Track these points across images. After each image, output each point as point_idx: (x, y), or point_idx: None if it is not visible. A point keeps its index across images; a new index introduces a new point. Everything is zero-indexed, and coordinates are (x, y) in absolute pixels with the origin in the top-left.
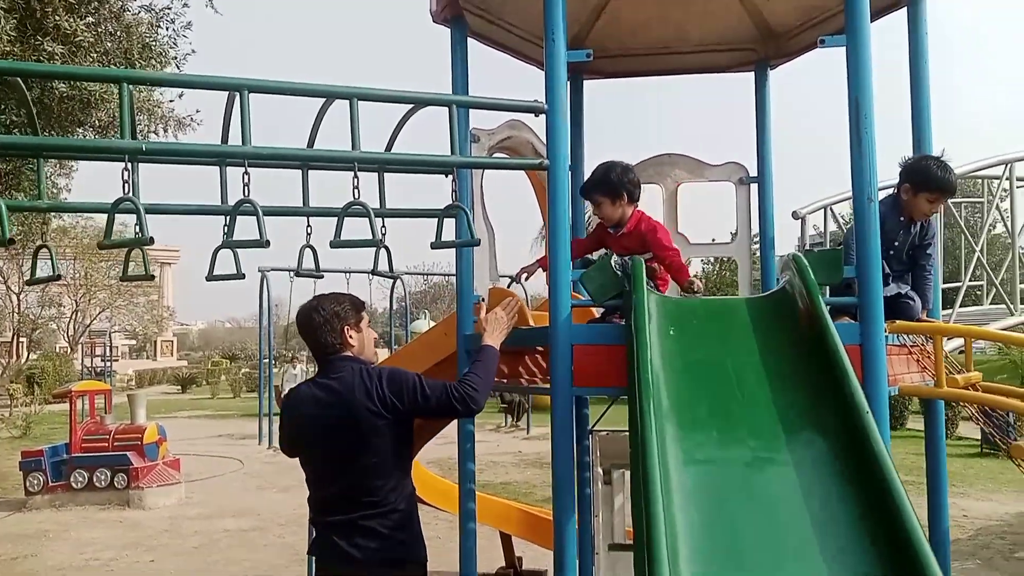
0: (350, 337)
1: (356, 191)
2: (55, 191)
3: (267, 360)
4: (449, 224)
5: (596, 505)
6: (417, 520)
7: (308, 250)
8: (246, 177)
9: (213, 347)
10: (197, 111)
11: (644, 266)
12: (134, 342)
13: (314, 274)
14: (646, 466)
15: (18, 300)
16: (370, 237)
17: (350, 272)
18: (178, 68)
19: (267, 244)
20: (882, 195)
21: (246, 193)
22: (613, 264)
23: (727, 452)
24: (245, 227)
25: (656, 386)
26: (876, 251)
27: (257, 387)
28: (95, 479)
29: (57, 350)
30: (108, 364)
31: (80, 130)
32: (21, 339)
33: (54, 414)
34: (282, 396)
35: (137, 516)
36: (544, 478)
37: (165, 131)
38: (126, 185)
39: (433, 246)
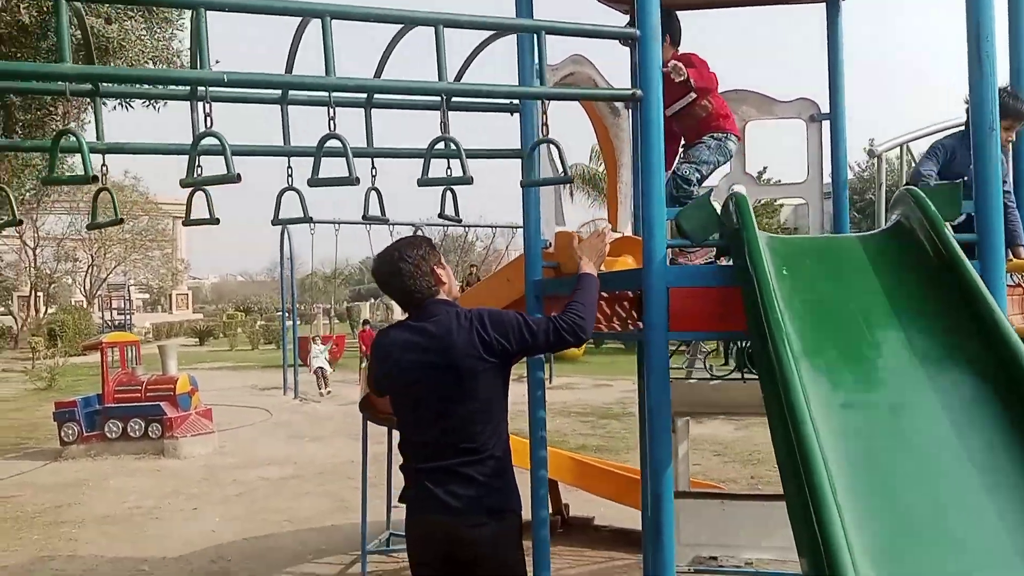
0: (441, 275)
1: (444, 125)
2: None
3: (288, 312)
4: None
5: None
6: (512, 468)
7: (373, 192)
8: (332, 111)
9: (227, 300)
10: (217, 61)
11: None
12: (147, 296)
13: (380, 219)
14: (793, 406)
15: (34, 255)
16: (460, 174)
17: (370, 222)
18: None
19: (356, 181)
20: (948, 133)
21: (332, 128)
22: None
23: (869, 396)
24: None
25: (784, 328)
26: (997, 185)
27: (279, 339)
28: (129, 429)
29: (73, 304)
30: (127, 317)
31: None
32: (38, 293)
33: (77, 366)
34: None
35: (173, 465)
36: (574, 426)
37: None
38: (208, 119)
39: (524, 184)
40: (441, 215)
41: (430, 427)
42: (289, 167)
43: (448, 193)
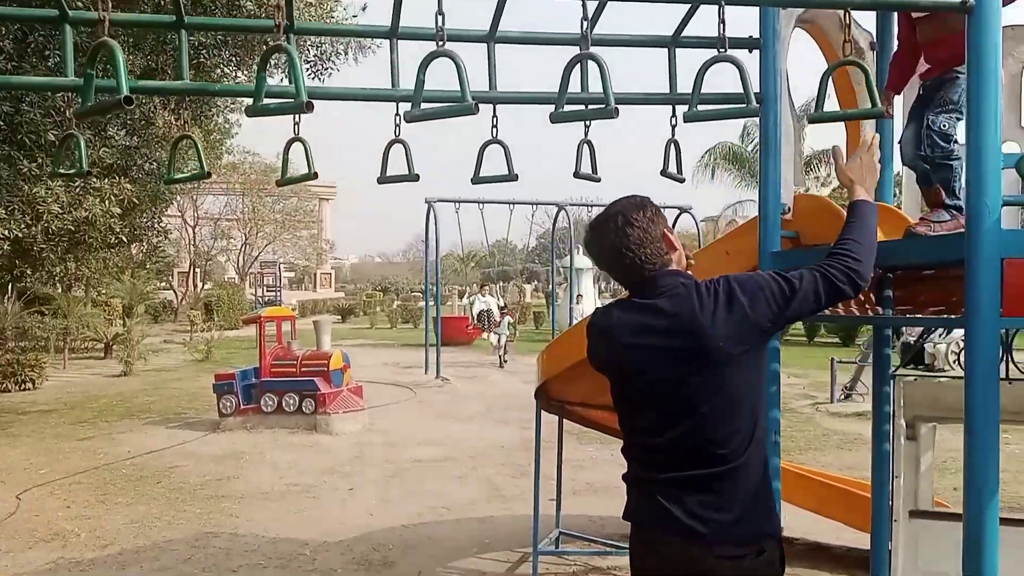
0: (673, 241)
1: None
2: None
3: (431, 292)
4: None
5: (898, 464)
6: (771, 483)
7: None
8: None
9: (365, 280)
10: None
11: None
12: (292, 275)
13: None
14: None
15: (193, 233)
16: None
17: (513, 203)
18: None
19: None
20: None
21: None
22: None
23: None
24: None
25: None
26: None
27: (417, 319)
28: (284, 403)
29: (226, 280)
30: (278, 294)
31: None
32: (196, 269)
33: (231, 339)
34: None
35: (326, 441)
36: None
37: (345, 53)
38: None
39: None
40: (576, 174)
41: (667, 428)
42: (397, 114)
43: (585, 148)
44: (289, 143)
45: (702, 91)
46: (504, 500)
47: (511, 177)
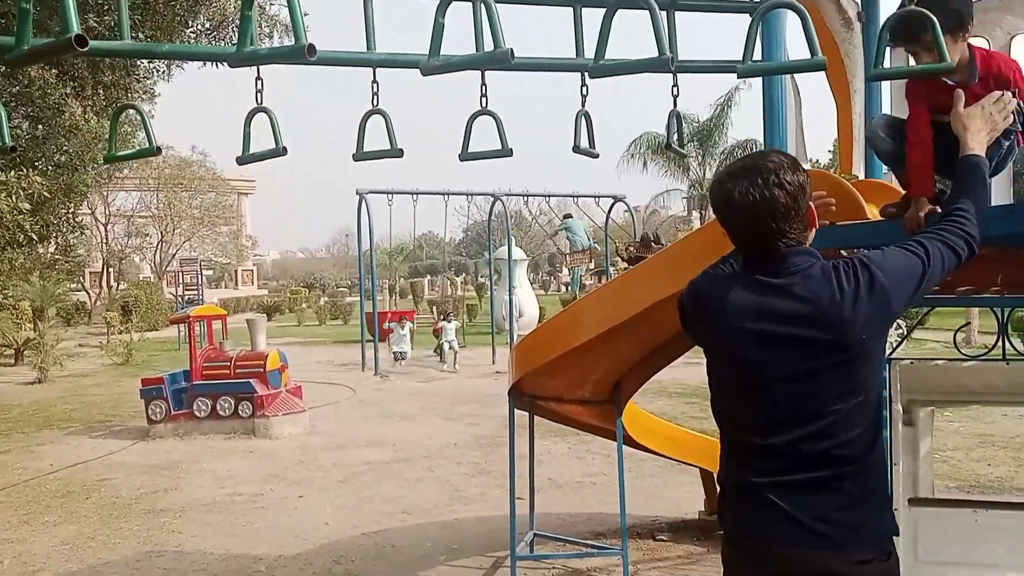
0: (815, 216)
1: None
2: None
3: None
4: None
5: (895, 451)
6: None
7: None
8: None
9: (289, 276)
10: (306, 14)
11: None
12: (211, 272)
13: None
14: None
15: (105, 231)
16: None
17: (448, 194)
18: None
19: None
20: None
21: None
22: None
23: None
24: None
25: None
26: None
27: (346, 315)
28: (218, 407)
29: (141, 280)
30: (199, 292)
31: (187, 32)
32: (109, 269)
33: (151, 341)
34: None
35: (266, 446)
36: (680, 408)
37: (271, 36)
38: None
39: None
40: (576, 148)
41: (790, 428)
42: (375, 81)
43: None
44: (251, 114)
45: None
46: (466, 501)
47: (504, 152)
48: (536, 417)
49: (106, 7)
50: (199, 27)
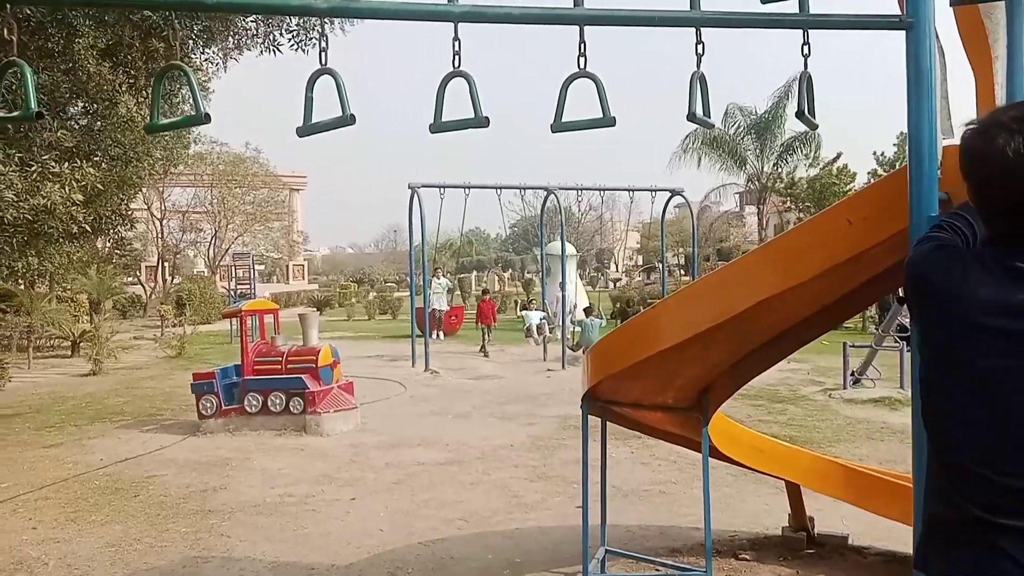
0: None
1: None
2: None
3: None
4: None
5: None
6: None
7: None
8: None
9: (338, 272)
10: None
11: None
12: (263, 267)
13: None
14: None
15: (161, 225)
16: None
17: (500, 188)
18: None
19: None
20: None
21: None
22: None
23: None
24: None
25: None
26: None
27: (395, 310)
28: (269, 403)
29: (195, 274)
30: (251, 286)
31: (245, 20)
32: (164, 263)
33: (204, 335)
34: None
35: (317, 443)
36: (747, 411)
37: (331, 23)
38: None
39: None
40: (691, 116)
41: None
42: (456, 39)
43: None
44: (315, 76)
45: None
46: (526, 509)
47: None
48: (599, 420)
49: None
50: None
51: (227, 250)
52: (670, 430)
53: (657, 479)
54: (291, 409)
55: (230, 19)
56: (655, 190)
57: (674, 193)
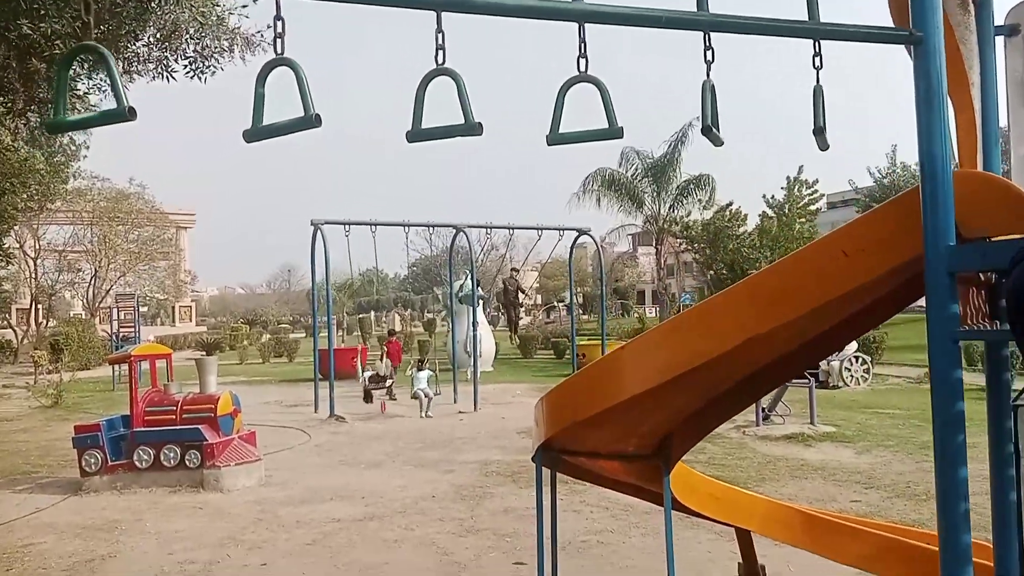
0: None
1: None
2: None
3: (321, 322)
4: None
5: None
6: None
7: None
8: None
9: (228, 313)
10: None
11: None
12: (146, 308)
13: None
14: None
15: (35, 265)
16: None
17: (408, 225)
18: None
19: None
20: None
21: None
22: None
23: None
24: None
25: None
26: None
27: (291, 352)
28: (162, 457)
29: (72, 317)
30: (136, 329)
31: (137, 44)
32: (38, 305)
33: (82, 382)
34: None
35: (217, 500)
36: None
37: (231, 51)
38: None
39: None
40: (705, 130)
41: None
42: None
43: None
44: (269, 67)
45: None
46: (460, 568)
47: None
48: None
49: (45, 12)
50: (149, 38)
51: (108, 291)
52: (625, 479)
53: (593, 528)
54: (187, 463)
55: (120, 43)
56: (563, 229)
57: (581, 232)
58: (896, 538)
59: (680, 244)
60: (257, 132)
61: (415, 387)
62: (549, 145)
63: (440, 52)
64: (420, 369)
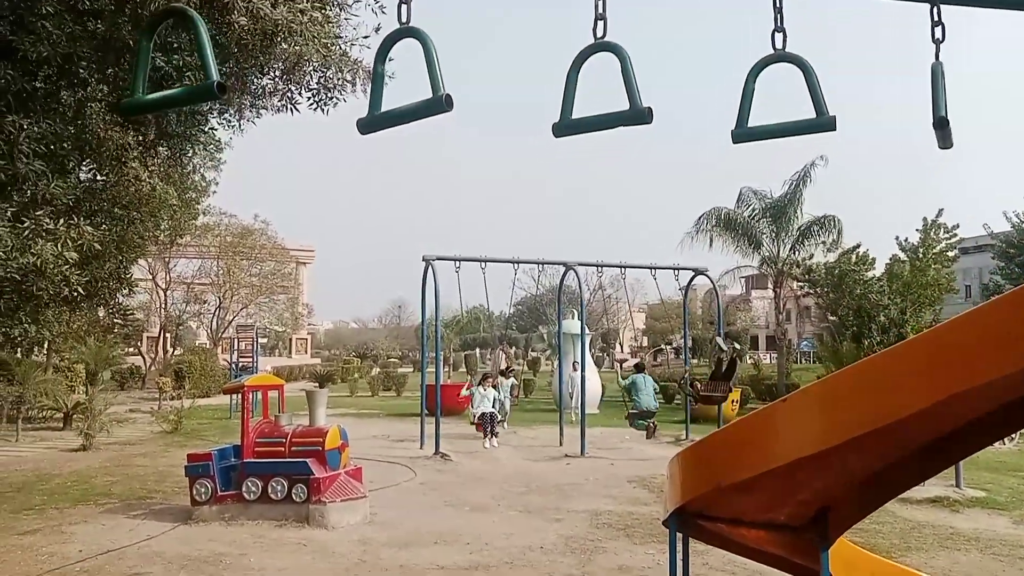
0: None
1: None
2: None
3: (429, 358)
4: None
5: None
6: None
7: None
8: None
9: (341, 346)
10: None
11: None
12: (265, 340)
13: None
14: None
15: (164, 296)
16: None
17: (518, 262)
18: None
19: None
20: None
21: None
22: None
23: None
24: None
25: None
26: None
27: (399, 386)
28: (270, 489)
29: (197, 346)
30: (254, 359)
31: (263, 79)
32: (166, 334)
33: (202, 408)
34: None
35: (321, 538)
36: None
37: (353, 84)
38: None
39: None
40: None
41: None
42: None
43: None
44: (390, 41)
45: None
46: None
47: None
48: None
49: (179, 45)
50: (275, 71)
51: (230, 322)
52: (772, 551)
53: None
54: (293, 497)
55: (247, 76)
56: (678, 268)
57: (697, 272)
58: None
59: (800, 288)
60: (373, 121)
61: (478, 407)
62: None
63: (600, 24)
64: (485, 385)
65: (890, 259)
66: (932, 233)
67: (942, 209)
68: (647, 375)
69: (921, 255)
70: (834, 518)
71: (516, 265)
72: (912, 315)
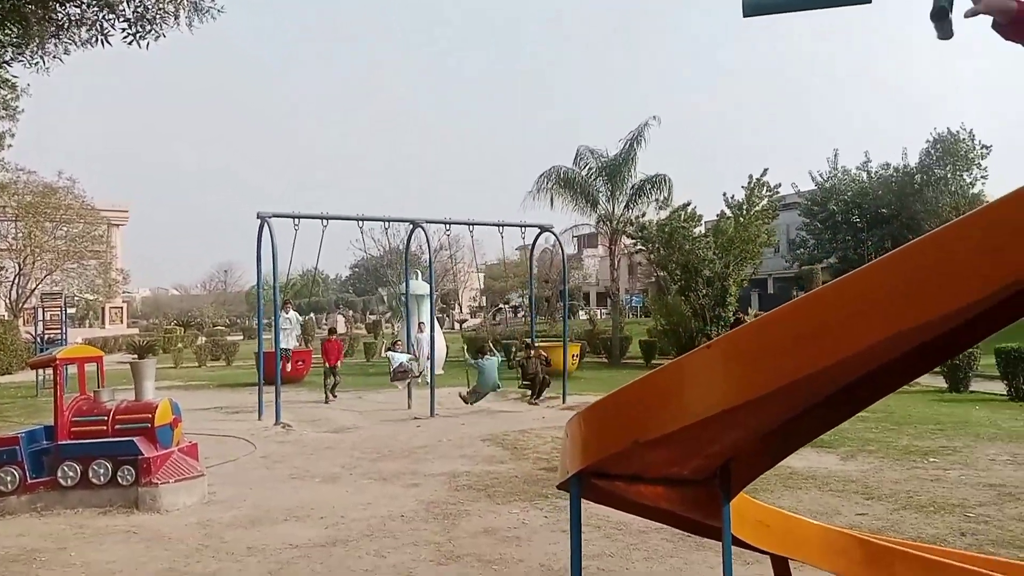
0: None
1: None
2: None
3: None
4: None
5: None
6: None
7: None
8: None
9: (161, 314)
10: None
11: None
12: (75, 310)
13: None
14: None
15: None
16: None
17: (362, 219)
18: None
19: None
20: None
21: None
22: None
23: None
24: None
25: None
26: None
27: (229, 355)
28: (91, 474)
29: None
30: (63, 331)
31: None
32: None
33: (3, 387)
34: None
35: (155, 523)
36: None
37: (176, 17)
38: None
39: None
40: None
41: None
42: None
43: None
44: None
45: None
46: None
47: None
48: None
49: None
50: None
51: (33, 290)
52: (667, 507)
53: (589, 552)
54: (119, 480)
55: (51, 2)
56: (524, 225)
57: (543, 229)
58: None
59: (633, 245)
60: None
61: (393, 363)
62: (745, 16)
63: None
64: (393, 351)
65: (717, 215)
66: (756, 191)
67: (767, 168)
68: (491, 356)
69: (745, 212)
70: (737, 470)
71: (361, 223)
72: (734, 269)
